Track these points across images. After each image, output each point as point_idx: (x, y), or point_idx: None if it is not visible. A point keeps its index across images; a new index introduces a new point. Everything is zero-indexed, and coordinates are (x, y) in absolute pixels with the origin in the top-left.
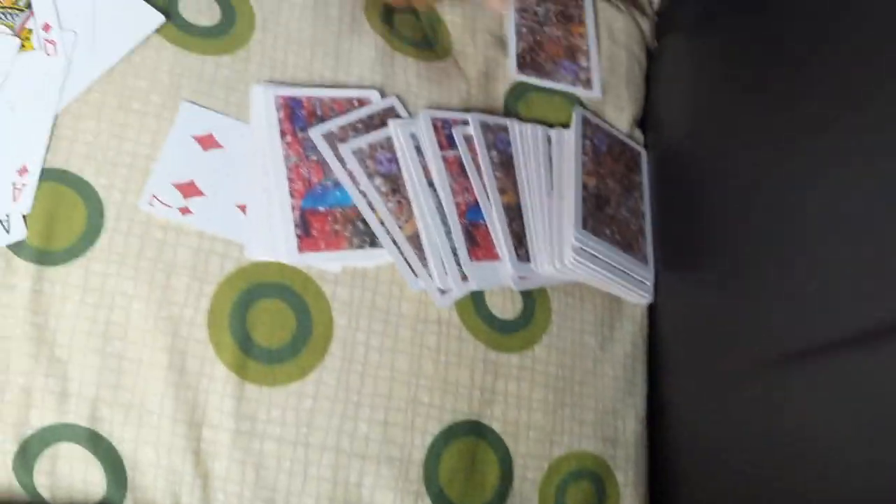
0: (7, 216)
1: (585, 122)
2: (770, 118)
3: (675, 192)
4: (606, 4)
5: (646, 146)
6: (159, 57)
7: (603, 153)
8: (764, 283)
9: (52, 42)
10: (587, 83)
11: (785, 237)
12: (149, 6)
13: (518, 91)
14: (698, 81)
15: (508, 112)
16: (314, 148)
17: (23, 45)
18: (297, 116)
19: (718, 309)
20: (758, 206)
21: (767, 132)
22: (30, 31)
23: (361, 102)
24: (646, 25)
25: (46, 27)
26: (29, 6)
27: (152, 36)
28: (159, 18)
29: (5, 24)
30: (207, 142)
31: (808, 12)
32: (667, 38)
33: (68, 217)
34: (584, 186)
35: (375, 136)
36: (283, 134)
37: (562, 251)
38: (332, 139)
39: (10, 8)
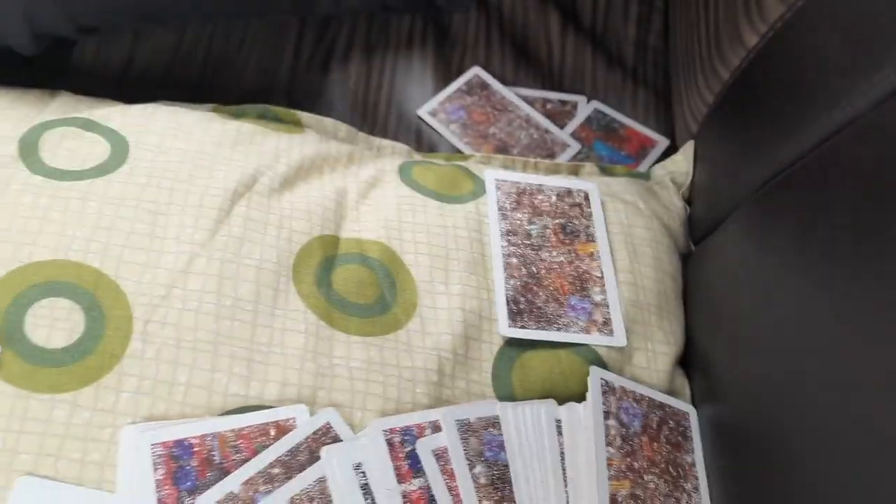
0: None
1: (607, 390)
2: None
3: (748, 471)
4: (620, 204)
5: (692, 398)
6: None
7: (636, 432)
8: None
9: None
10: (605, 326)
11: None
12: None
13: (510, 354)
14: (771, 296)
15: (499, 390)
16: None
17: None
18: (184, 472)
19: None
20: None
21: None
22: None
23: (281, 429)
24: (675, 224)
25: None
26: None
27: None
28: None
29: None
30: None
31: None
32: (711, 238)
33: None
34: (613, 500)
35: (301, 482)
36: None
37: None
38: None
39: None
